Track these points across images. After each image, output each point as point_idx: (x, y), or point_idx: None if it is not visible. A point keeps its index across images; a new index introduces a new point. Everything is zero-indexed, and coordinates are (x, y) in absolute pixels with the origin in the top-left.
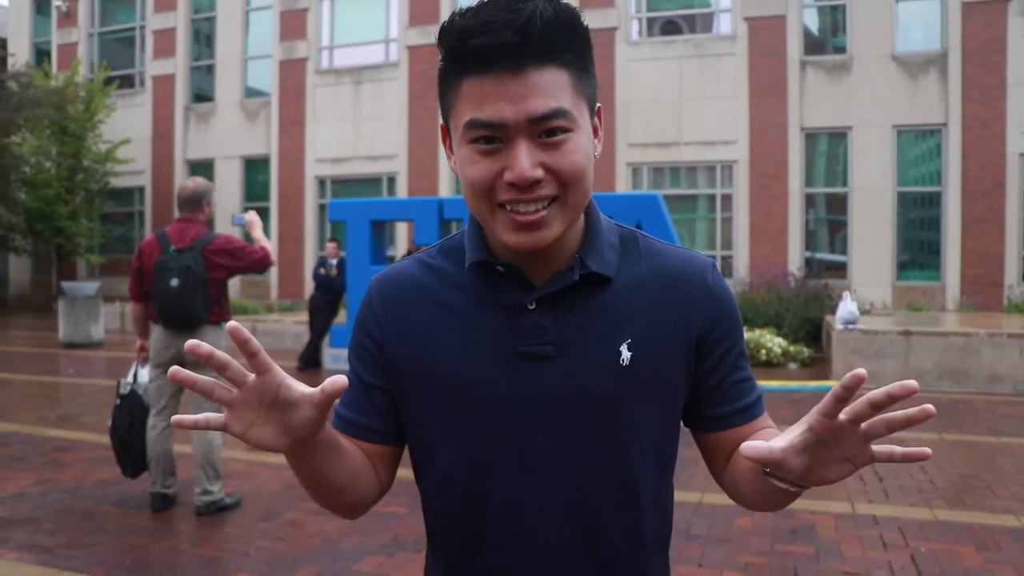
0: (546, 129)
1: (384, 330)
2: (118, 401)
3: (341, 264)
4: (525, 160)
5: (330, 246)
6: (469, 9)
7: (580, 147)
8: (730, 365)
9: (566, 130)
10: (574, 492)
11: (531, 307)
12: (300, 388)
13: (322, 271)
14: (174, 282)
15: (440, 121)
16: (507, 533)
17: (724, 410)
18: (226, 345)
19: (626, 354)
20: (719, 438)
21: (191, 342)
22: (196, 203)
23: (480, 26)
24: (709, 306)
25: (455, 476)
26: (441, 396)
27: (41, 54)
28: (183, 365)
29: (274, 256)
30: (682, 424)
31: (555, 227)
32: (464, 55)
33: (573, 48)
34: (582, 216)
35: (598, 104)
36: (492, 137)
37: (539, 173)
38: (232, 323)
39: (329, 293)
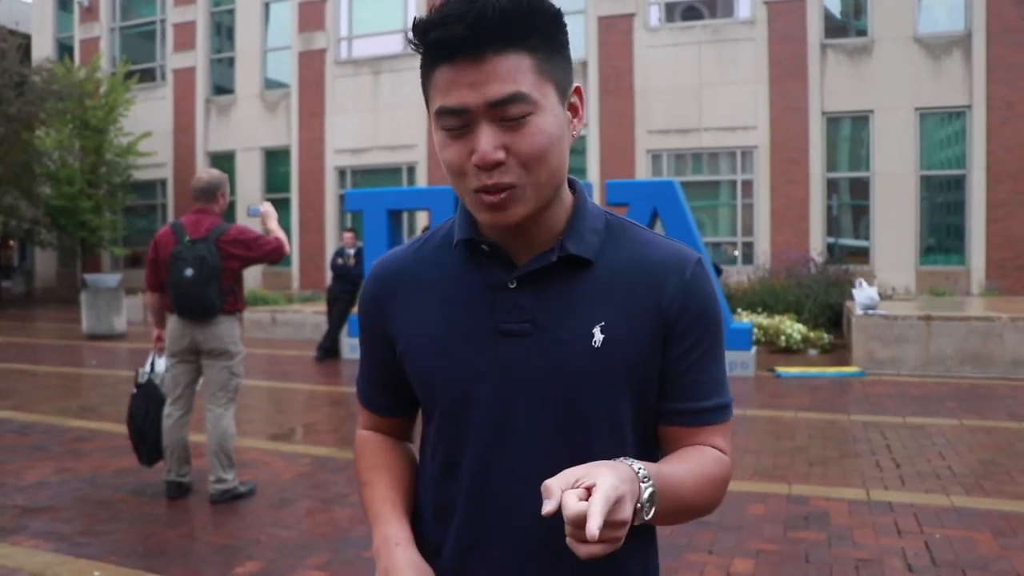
0: (506, 115)
1: (379, 312)
2: (135, 390)
3: (359, 254)
4: (486, 142)
5: (347, 236)
6: (438, 5)
7: (542, 128)
8: (691, 363)
9: (527, 114)
10: (540, 467)
11: (512, 286)
12: None
13: (340, 261)
14: (188, 272)
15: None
16: (477, 503)
17: (673, 407)
18: (239, 334)
19: (598, 336)
20: (664, 432)
21: None
22: (211, 194)
23: (438, 20)
24: (683, 299)
25: (439, 445)
26: (428, 371)
27: (63, 49)
28: (197, 355)
29: (288, 247)
30: None
31: (520, 208)
32: (428, 48)
33: (535, 32)
34: (568, 200)
35: (575, 84)
36: (460, 123)
37: (500, 155)
38: None
39: (347, 283)
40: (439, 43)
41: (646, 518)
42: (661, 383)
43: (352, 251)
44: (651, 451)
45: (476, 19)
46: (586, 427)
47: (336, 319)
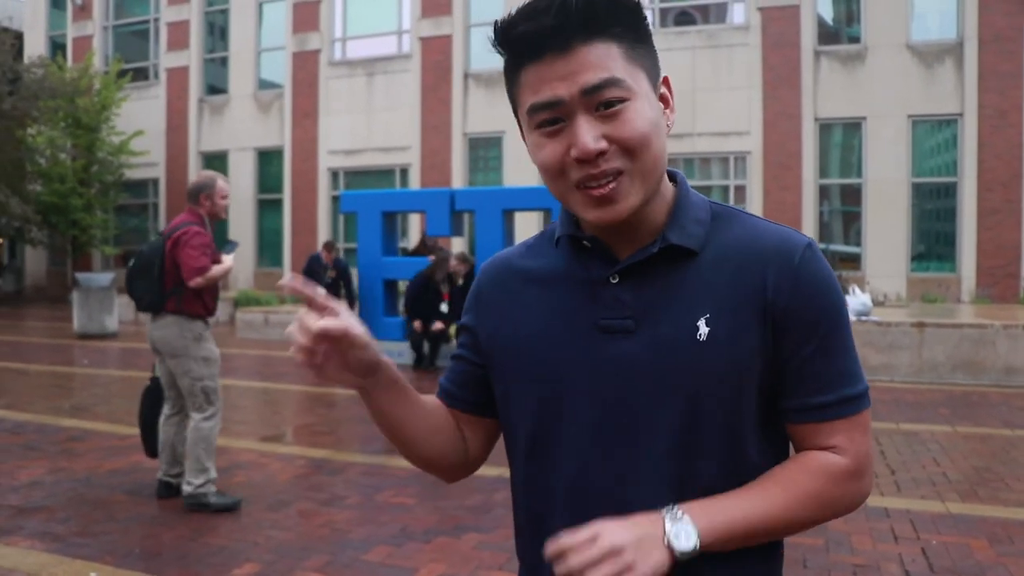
0: (602, 101)
1: (481, 309)
2: (149, 383)
3: (337, 265)
4: (586, 134)
5: (324, 254)
6: (521, 5)
7: (640, 114)
8: (807, 355)
9: (623, 99)
10: (647, 471)
11: (613, 281)
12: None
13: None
14: (132, 261)
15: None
16: (577, 511)
17: (792, 403)
18: (179, 335)
19: (703, 329)
20: (790, 431)
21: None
22: (193, 196)
23: (523, 15)
24: (791, 287)
25: (535, 446)
26: (525, 368)
27: (56, 47)
28: (157, 353)
29: (203, 280)
30: None
31: (631, 198)
32: (514, 46)
33: (620, 21)
34: (670, 192)
35: (664, 74)
36: (554, 119)
37: (603, 144)
38: (285, 282)
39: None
40: (526, 37)
41: (686, 547)
42: (780, 378)
43: (329, 264)
44: (775, 450)
45: (561, 9)
46: (696, 426)
47: None
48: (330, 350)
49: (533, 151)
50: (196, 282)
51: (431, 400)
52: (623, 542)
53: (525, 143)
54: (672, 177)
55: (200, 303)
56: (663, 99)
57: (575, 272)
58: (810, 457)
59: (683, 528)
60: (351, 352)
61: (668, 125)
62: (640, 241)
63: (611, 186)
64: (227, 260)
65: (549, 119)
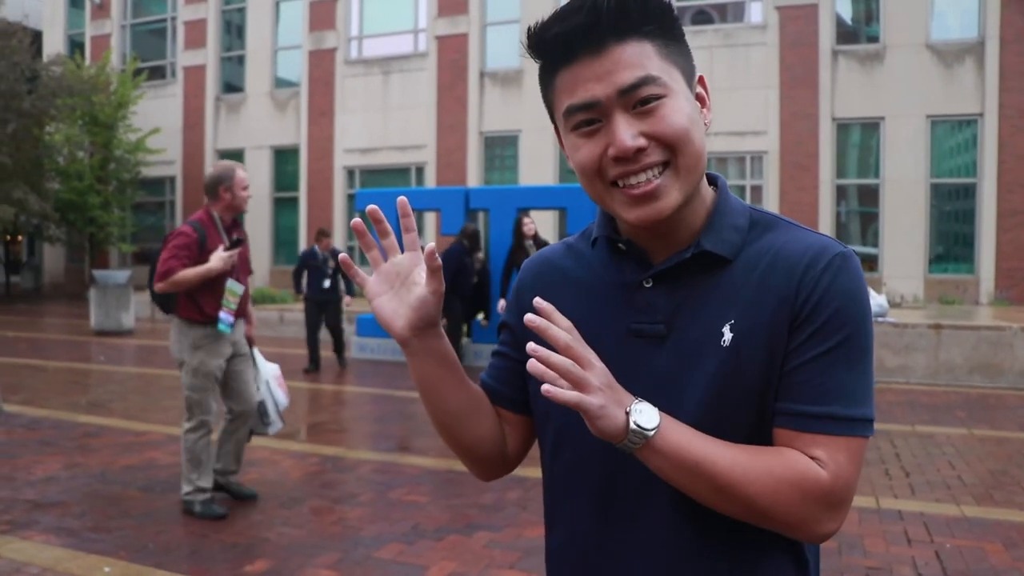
0: (639, 99)
1: (522, 307)
2: None
3: (335, 255)
4: (624, 132)
5: (326, 242)
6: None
7: (677, 109)
8: (807, 360)
9: (659, 96)
10: None
11: (647, 285)
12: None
13: (313, 263)
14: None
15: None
16: (599, 517)
17: (780, 406)
18: (177, 340)
19: (727, 335)
20: (774, 434)
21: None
22: (212, 190)
23: (556, 17)
24: (810, 290)
25: (562, 445)
26: None
27: (74, 46)
28: None
29: (164, 284)
30: None
31: (672, 195)
32: (547, 48)
33: (651, 19)
34: (709, 196)
35: (699, 73)
36: (591, 119)
37: (641, 142)
38: (400, 197)
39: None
40: (559, 39)
41: (643, 423)
42: (778, 379)
43: (327, 254)
44: None
45: (593, 8)
46: (719, 431)
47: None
48: (401, 271)
49: (570, 153)
50: (159, 287)
51: (477, 387)
52: (603, 373)
53: (562, 149)
54: (712, 180)
55: (195, 308)
56: (699, 98)
57: (610, 274)
58: (794, 451)
59: (651, 412)
60: (420, 288)
61: (706, 124)
62: (676, 245)
63: (655, 182)
64: (214, 259)
65: (586, 120)
